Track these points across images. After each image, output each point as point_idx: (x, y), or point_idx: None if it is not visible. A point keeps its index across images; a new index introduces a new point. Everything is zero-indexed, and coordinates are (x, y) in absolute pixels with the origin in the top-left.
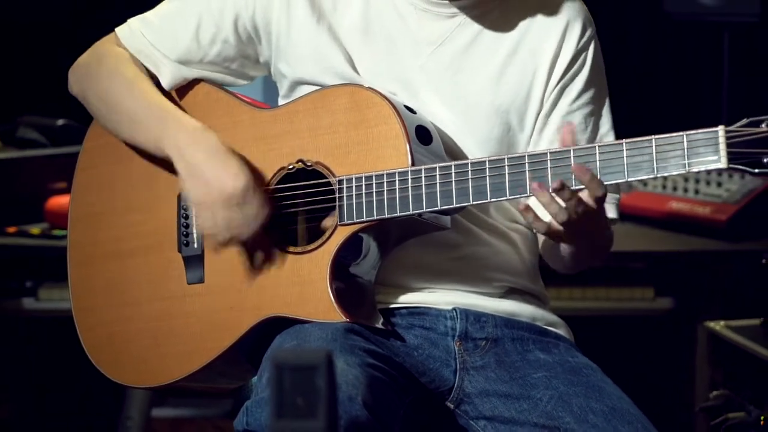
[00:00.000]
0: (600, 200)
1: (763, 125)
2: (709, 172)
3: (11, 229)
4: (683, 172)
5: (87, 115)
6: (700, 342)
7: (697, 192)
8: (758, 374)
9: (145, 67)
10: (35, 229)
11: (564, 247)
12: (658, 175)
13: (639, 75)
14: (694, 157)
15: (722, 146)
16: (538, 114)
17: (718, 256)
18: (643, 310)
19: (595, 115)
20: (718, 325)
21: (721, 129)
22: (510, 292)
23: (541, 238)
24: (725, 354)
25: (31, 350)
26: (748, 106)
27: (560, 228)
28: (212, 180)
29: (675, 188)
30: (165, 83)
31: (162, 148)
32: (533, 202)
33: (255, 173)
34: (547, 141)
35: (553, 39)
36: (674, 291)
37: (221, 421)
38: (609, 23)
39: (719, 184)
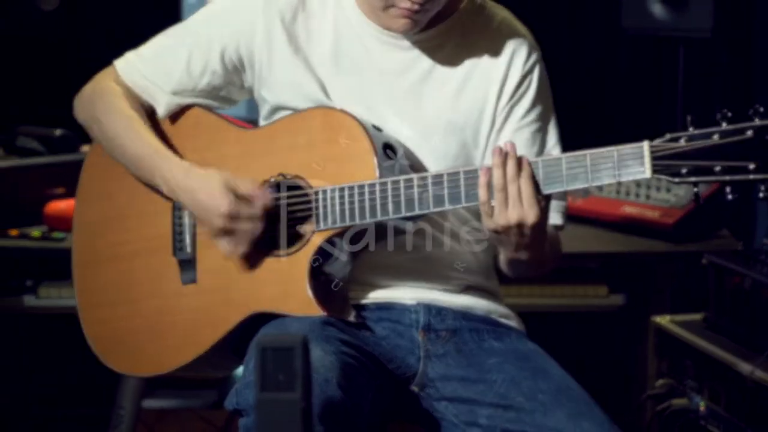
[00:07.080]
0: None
1: (682, 140)
2: (659, 178)
3: (13, 232)
4: (614, 181)
5: (80, 126)
6: (649, 335)
7: (648, 197)
8: (699, 364)
9: (141, 97)
10: (35, 232)
11: (506, 255)
12: (593, 185)
13: (597, 88)
14: (623, 169)
15: (647, 159)
16: (490, 131)
17: (665, 257)
18: (597, 306)
19: (542, 131)
20: (664, 320)
21: (646, 144)
22: (467, 289)
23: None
24: (670, 346)
25: (30, 344)
26: (702, 118)
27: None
28: (208, 207)
29: (628, 193)
30: (160, 112)
31: (157, 184)
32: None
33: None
34: None
35: (501, 65)
36: (625, 288)
37: (205, 412)
38: (568, 38)
39: (668, 190)
